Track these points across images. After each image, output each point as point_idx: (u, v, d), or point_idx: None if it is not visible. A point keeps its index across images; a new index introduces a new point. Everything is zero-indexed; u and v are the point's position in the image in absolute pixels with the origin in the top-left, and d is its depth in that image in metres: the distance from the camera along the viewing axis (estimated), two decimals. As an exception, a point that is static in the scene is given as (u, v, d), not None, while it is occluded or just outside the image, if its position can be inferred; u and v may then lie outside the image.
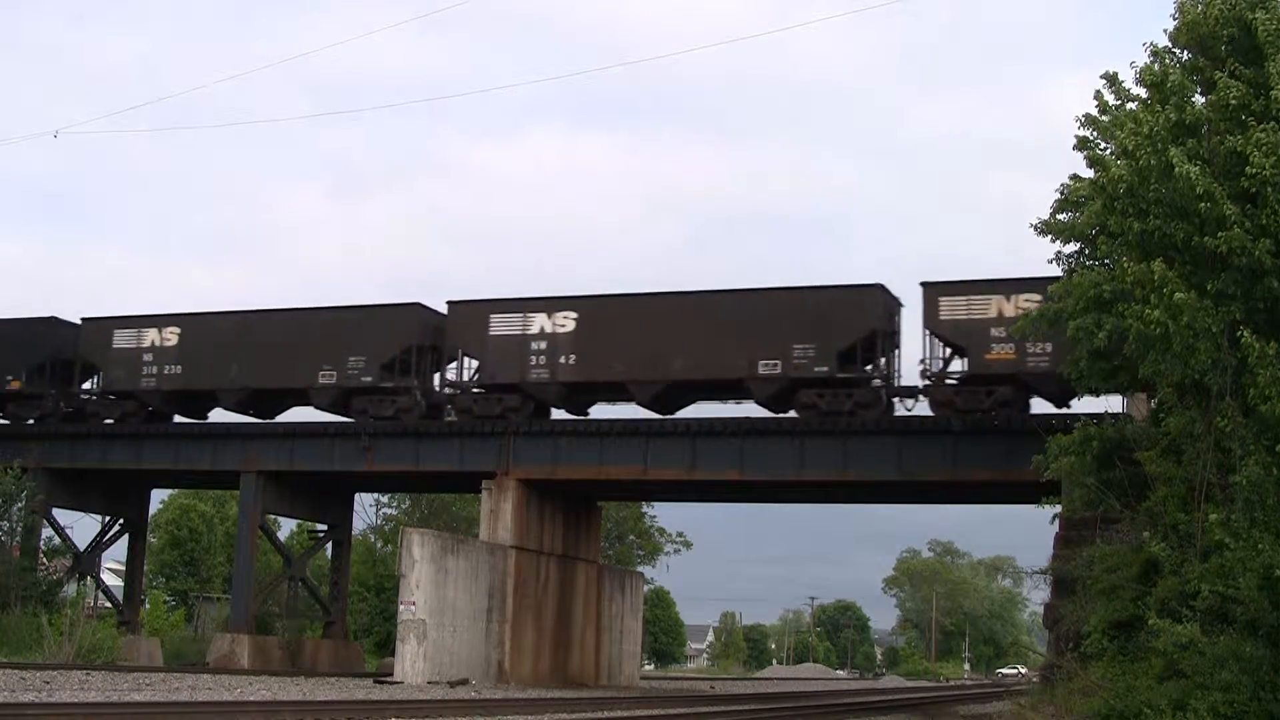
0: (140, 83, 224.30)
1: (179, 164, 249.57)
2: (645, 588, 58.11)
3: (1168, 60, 19.01)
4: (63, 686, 25.31)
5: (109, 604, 51.62)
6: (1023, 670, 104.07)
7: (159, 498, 69.41)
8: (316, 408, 42.92)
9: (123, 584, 54.03)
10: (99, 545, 50.36)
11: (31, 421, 46.18)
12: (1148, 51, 19.35)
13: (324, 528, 49.57)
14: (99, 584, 51.34)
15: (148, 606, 58.26)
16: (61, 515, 48.48)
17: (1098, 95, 21.62)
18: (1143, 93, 19.65)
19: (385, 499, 66.21)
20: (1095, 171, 20.92)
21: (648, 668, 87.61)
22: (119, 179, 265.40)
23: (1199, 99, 18.35)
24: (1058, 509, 25.65)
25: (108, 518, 49.89)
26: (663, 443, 39.17)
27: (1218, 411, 16.74)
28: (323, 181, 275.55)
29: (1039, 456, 24.13)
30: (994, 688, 59.24)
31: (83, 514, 50.36)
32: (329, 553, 51.34)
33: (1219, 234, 16.26)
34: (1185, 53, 19.06)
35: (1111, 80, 21.20)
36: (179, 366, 43.70)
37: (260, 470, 43.60)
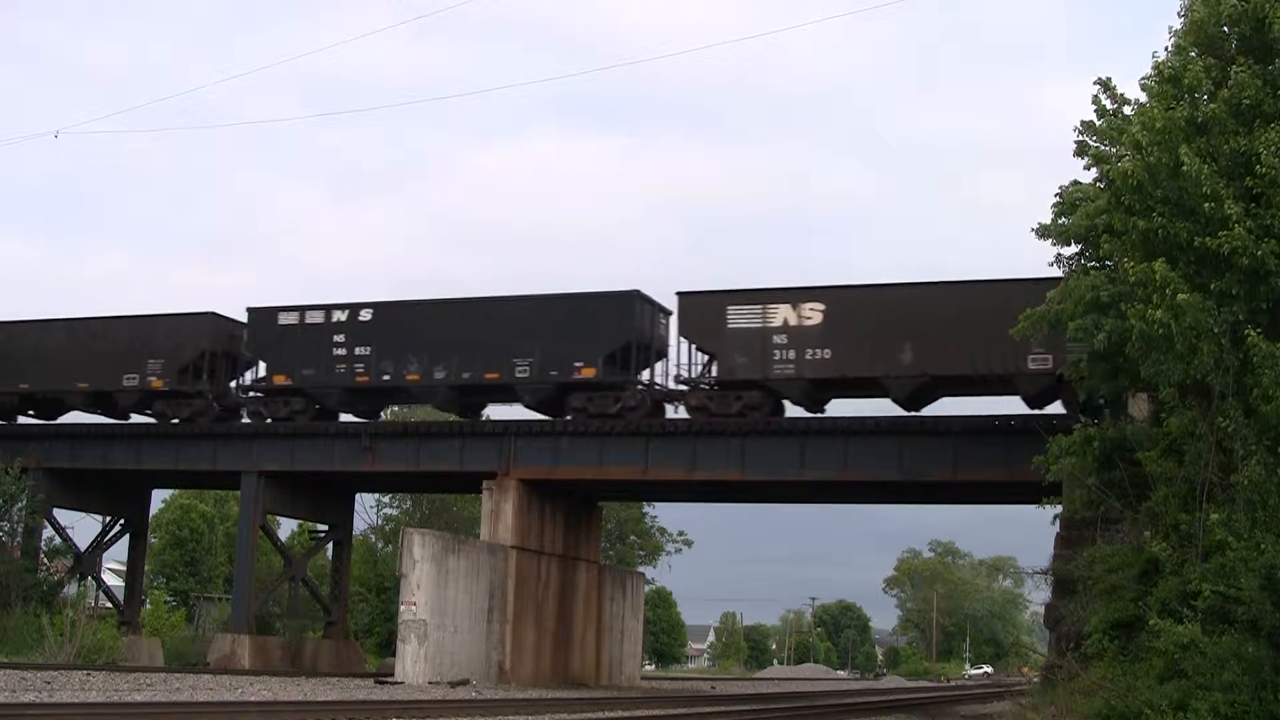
0: (140, 84, 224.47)
1: (179, 164, 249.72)
2: (646, 588, 58.11)
3: (1186, 54, 18.92)
4: (64, 687, 25.33)
5: (110, 604, 51.64)
6: (990, 670, 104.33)
7: (160, 498, 69.50)
8: (1024, 398, 35.64)
9: (123, 584, 54.06)
10: (100, 545, 50.40)
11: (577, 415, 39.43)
12: (1170, 43, 19.25)
13: (325, 528, 49.62)
14: (100, 584, 51.39)
15: (148, 607, 58.31)
16: (62, 515, 48.57)
17: (1095, 100, 21.70)
18: (1143, 97, 19.64)
19: (386, 499, 66.30)
20: (1100, 169, 20.95)
21: (648, 668, 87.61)
22: (119, 179, 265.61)
23: (1204, 98, 18.32)
24: (1058, 509, 25.68)
25: (108, 518, 49.93)
26: (663, 443, 39.12)
27: (1219, 411, 16.73)
28: (323, 182, 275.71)
29: (1040, 457, 24.16)
30: (994, 688, 59.19)
31: (83, 514, 50.49)
32: (330, 553, 51.36)
33: (1221, 234, 16.26)
34: (1193, 52, 19.02)
35: (1105, 85, 21.27)
36: (826, 350, 36.22)
37: (261, 470, 43.59)
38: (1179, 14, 19.33)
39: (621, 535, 71.30)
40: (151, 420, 45.15)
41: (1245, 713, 14.84)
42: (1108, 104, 21.51)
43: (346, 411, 43.16)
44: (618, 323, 38.67)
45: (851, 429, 37.37)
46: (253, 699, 24.12)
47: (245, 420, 43.92)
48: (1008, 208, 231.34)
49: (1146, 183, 17.63)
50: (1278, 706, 14.65)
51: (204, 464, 45.05)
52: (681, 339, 38.34)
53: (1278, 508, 15.40)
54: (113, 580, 56.71)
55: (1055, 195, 24.82)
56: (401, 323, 40.93)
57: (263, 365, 43.39)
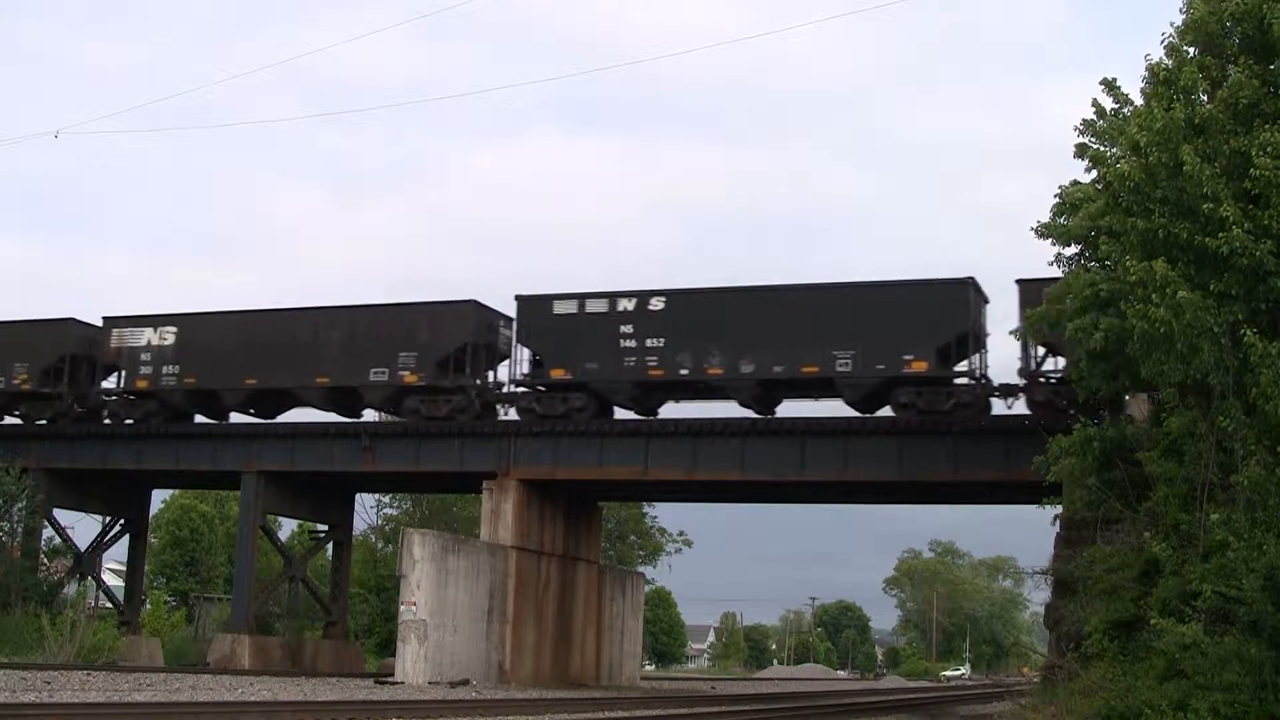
0: (140, 84, 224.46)
1: (179, 164, 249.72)
2: (646, 588, 58.09)
3: (1183, 53, 18.89)
4: (64, 687, 25.33)
5: (110, 604, 51.65)
6: (965, 671, 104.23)
7: (160, 498, 69.53)
8: None
9: (123, 584, 54.08)
10: (100, 546, 50.39)
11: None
12: (1163, 44, 19.26)
13: (325, 528, 49.61)
14: (100, 584, 51.39)
15: (148, 607, 58.30)
16: (62, 516, 48.59)
17: (1095, 102, 21.67)
18: (1146, 90, 19.59)
19: (386, 499, 66.28)
20: (1099, 170, 20.94)
21: (648, 668, 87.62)
22: (119, 179, 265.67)
23: (1204, 98, 18.30)
24: (1058, 509, 25.68)
25: (108, 518, 49.92)
26: (663, 443, 39.11)
27: (1219, 411, 16.72)
28: (322, 183, 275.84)
29: (1040, 457, 24.15)
30: (994, 688, 59.17)
31: (83, 514, 50.46)
32: (329, 553, 51.38)
33: (1220, 234, 16.26)
34: (1192, 50, 19.02)
35: (1109, 86, 21.23)
36: None
37: (261, 470, 43.54)
38: (1180, 11, 19.30)
39: (621, 535, 71.28)
40: (395, 419, 41.86)
41: (1245, 713, 14.83)
42: (1109, 104, 21.47)
43: (631, 408, 39.67)
44: (952, 312, 35.38)
45: (851, 429, 37.35)
46: (253, 699, 24.11)
47: (503, 418, 40.92)
48: (1007, 209, 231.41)
49: (1145, 183, 17.63)
50: (1278, 707, 14.65)
51: (204, 464, 45.02)
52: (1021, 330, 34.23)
53: (1278, 508, 15.39)
54: (113, 580, 56.73)
55: (1055, 195, 24.79)
56: (700, 312, 37.88)
57: (523, 358, 40.23)
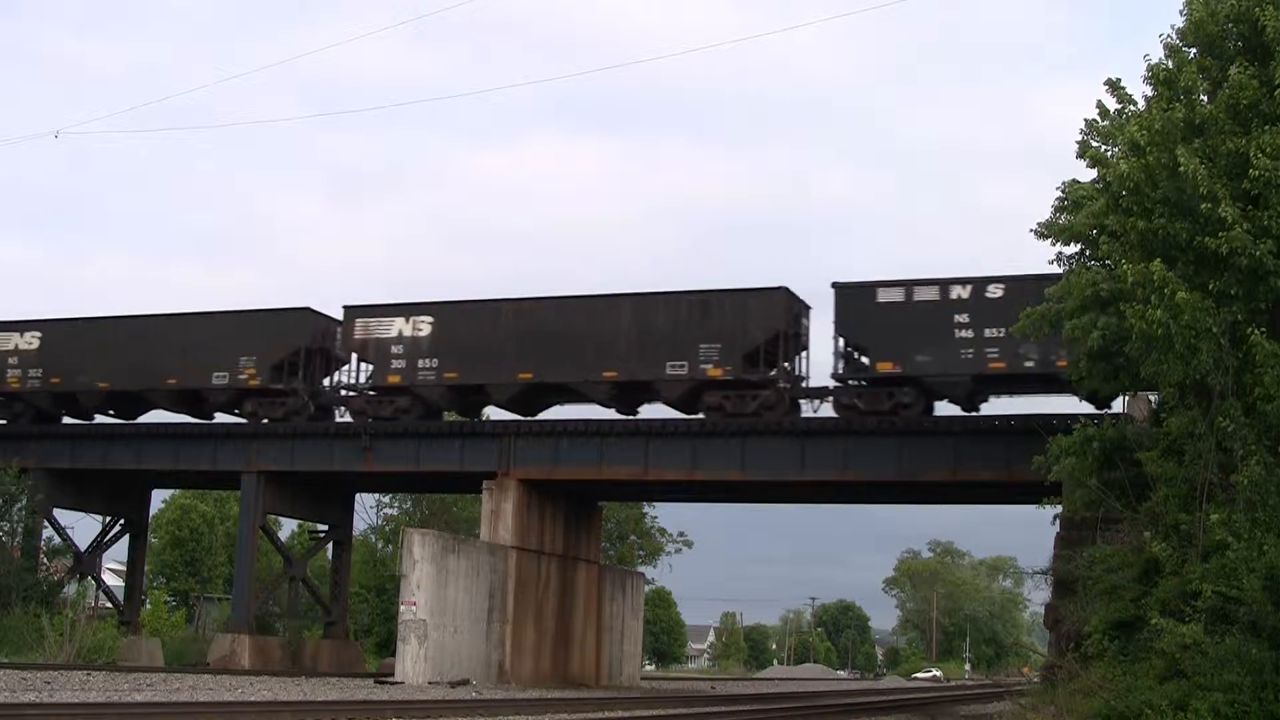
0: (140, 84, 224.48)
1: (179, 164, 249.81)
2: (646, 588, 58.08)
3: (1182, 54, 18.88)
4: (64, 687, 25.34)
5: (109, 604, 51.68)
6: (939, 674, 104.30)
7: (160, 498, 69.53)
8: None
9: (123, 584, 54.11)
10: (100, 545, 50.42)
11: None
12: (1162, 43, 19.25)
13: (325, 528, 49.63)
14: (99, 584, 51.43)
15: (148, 607, 58.31)
16: (62, 515, 48.59)
17: (1099, 103, 21.65)
18: (1149, 91, 19.59)
19: (386, 499, 66.28)
20: (1099, 171, 20.93)
21: (648, 668, 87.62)
22: (119, 179, 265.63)
23: (1204, 98, 18.31)
24: (1058, 509, 25.67)
25: (108, 518, 49.94)
26: (663, 443, 39.12)
27: (1219, 411, 16.73)
28: (322, 184, 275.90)
29: (1040, 457, 24.12)
30: (995, 688, 59.15)
31: (83, 514, 50.49)
32: (329, 553, 51.40)
33: (1220, 234, 16.26)
34: (1192, 51, 19.01)
35: (1114, 86, 21.21)
36: None
37: (261, 470, 43.55)
38: (1180, 12, 19.31)
39: (621, 535, 71.27)
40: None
41: (1245, 713, 14.84)
42: (1113, 104, 21.45)
43: (960, 403, 36.98)
44: None
45: (851, 429, 37.34)
46: (253, 699, 24.12)
47: (807, 415, 38.50)
48: (1006, 211, 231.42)
49: (1144, 184, 17.64)
50: (1278, 707, 14.65)
51: (204, 464, 45.03)
52: None
53: (1278, 508, 15.39)
54: (113, 580, 56.75)
55: (1058, 190, 24.71)
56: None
57: (819, 350, 37.84)
